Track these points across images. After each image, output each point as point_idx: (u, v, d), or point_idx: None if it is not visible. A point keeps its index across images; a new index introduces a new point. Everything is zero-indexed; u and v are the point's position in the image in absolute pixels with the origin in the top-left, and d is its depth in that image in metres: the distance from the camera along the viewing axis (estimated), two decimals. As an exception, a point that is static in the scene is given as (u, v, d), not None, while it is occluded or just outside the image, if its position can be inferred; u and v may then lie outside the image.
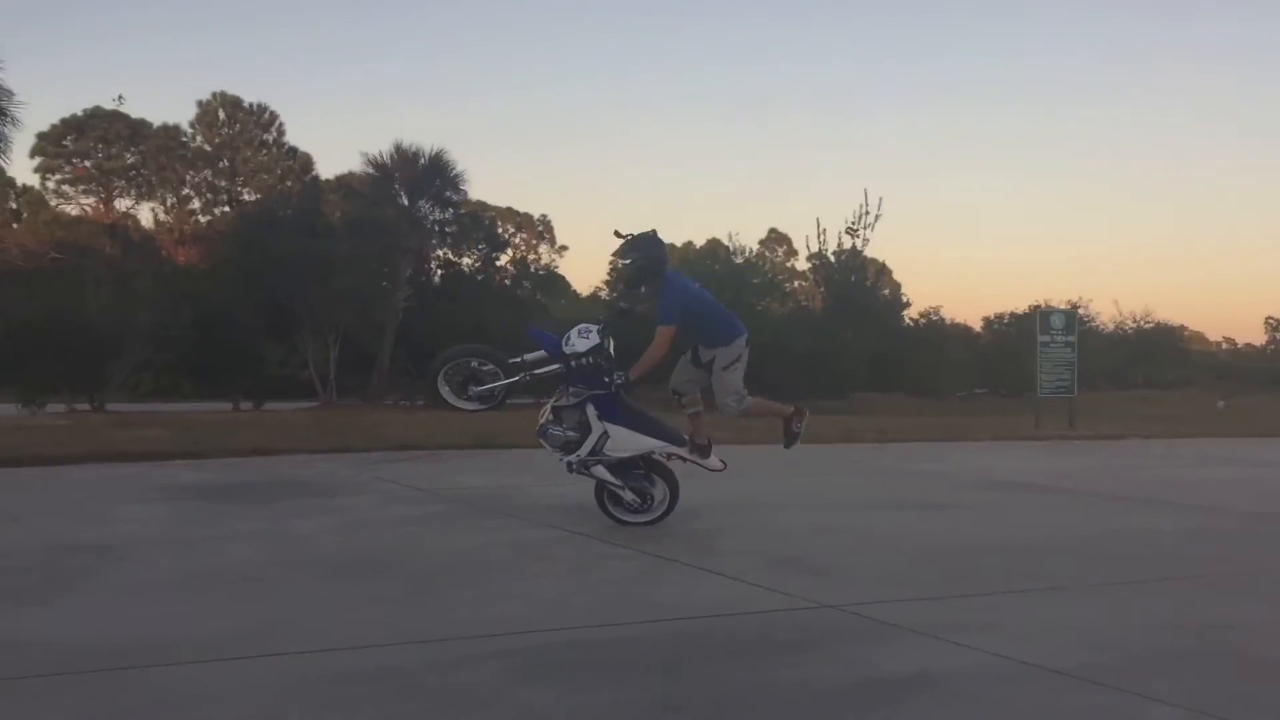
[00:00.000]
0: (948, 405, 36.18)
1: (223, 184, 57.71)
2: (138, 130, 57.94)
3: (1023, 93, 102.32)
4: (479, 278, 47.39)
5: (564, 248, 66.07)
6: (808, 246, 46.00)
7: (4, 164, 32.51)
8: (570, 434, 7.36)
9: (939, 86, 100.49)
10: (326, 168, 61.66)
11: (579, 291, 63.53)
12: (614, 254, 7.79)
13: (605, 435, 7.34)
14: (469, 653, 4.28)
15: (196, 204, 57.97)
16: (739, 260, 48.64)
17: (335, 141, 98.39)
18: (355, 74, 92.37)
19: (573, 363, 7.22)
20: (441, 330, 40.29)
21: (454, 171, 42.00)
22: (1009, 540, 7.50)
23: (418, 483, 10.07)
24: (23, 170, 58.68)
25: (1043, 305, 27.09)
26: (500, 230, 53.78)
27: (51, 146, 57.18)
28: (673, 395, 7.84)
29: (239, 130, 57.62)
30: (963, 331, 51.67)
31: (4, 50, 34.24)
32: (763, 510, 8.84)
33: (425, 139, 54.53)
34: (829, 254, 42.57)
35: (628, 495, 7.51)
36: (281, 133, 58.44)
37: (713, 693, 3.85)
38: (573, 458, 7.36)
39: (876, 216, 39.74)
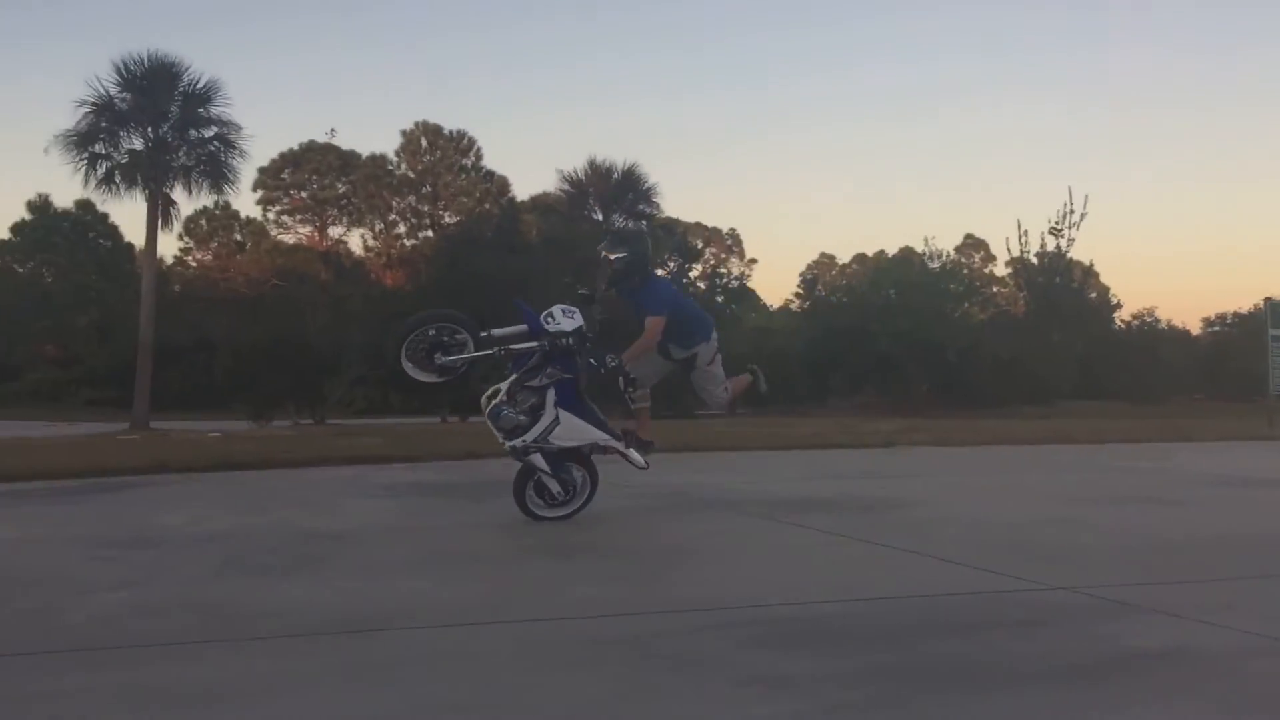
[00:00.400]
0: (1167, 409, 34.24)
1: (425, 209, 60.14)
2: (348, 161, 61.09)
3: (1240, 82, 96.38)
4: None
5: (753, 261, 66.14)
6: (1008, 250, 44.69)
7: (232, 194, 35.08)
8: (521, 417, 6.92)
9: (1146, 77, 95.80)
10: (522, 189, 63.25)
11: (769, 303, 63.39)
12: (602, 248, 7.66)
13: (555, 422, 6.94)
14: (700, 623, 4.37)
15: (402, 229, 60.62)
16: (934, 266, 47.49)
17: (530, 163, 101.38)
18: (548, 97, 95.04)
19: (554, 342, 6.86)
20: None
21: (646, 185, 42.63)
22: (1239, 532, 7.10)
23: (627, 480, 10.26)
24: (246, 203, 62.68)
25: (1274, 298, 25.38)
26: (691, 243, 54.17)
27: (271, 180, 60.91)
28: (628, 389, 7.42)
29: (440, 157, 60.00)
30: (1179, 335, 48.99)
31: (229, 88, 36.65)
32: (973, 503, 8.63)
33: (618, 154, 55.38)
34: (1031, 256, 41.11)
35: (554, 486, 7.13)
36: (479, 157, 60.58)
37: (943, 662, 3.81)
38: (518, 442, 6.91)
39: (1082, 215, 38.13)
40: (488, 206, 56.49)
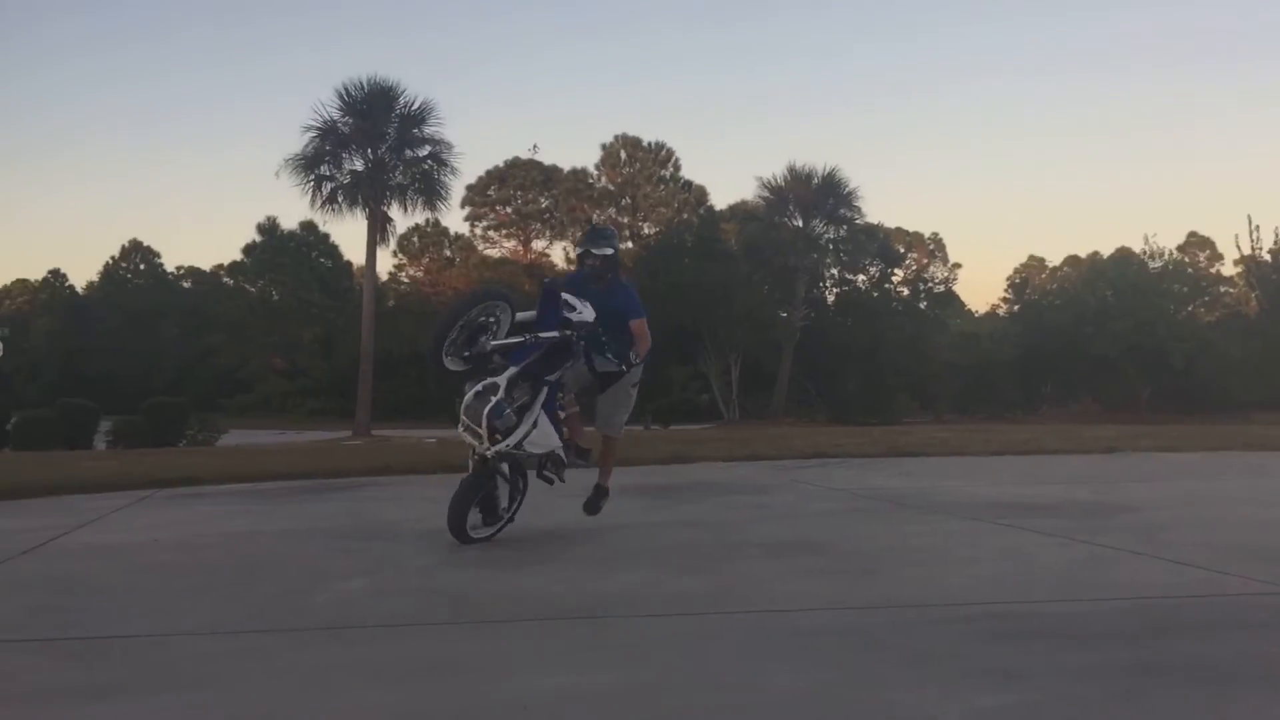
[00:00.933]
0: None
1: (625, 220, 61.13)
2: (550, 176, 62.79)
3: None
4: (874, 295, 46.98)
5: (957, 265, 64.27)
6: (1237, 247, 42.06)
7: (444, 210, 36.62)
8: (514, 418, 6.25)
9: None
10: (720, 197, 63.65)
11: (974, 309, 61.46)
12: (583, 243, 7.04)
13: (534, 427, 6.31)
14: (920, 618, 4.31)
15: (603, 241, 61.76)
16: (1156, 266, 45.09)
17: (728, 172, 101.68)
18: (746, 105, 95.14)
19: (579, 334, 6.30)
20: (838, 347, 40.40)
21: (847, 189, 42.09)
22: None
23: (832, 484, 10.15)
24: (454, 220, 65.14)
25: None
26: (893, 248, 53.11)
27: (478, 196, 63.21)
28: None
29: (639, 168, 60.90)
30: None
31: (440, 108, 38.27)
32: (1204, 508, 8.14)
33: (817, 160, 54.88)
34: (1263, 253, 38.50)
35: (504, 498, 6.56)
36: (678, 167, 61.24)
37: (1183, 661, 3.62)
38: (504, 445, 6.20)
39: (1321, 207, 35.43)
40: (686, 216, 56.98)
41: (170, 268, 70.02)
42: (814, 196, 42.14)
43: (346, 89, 33.35)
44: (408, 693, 3.35)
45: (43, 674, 3.62)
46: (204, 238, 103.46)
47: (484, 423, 6.07)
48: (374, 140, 33.48)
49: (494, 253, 64.02)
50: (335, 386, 53.30)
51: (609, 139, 61.75)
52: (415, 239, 63.62)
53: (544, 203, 63.51)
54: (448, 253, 65.51)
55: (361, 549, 6.25)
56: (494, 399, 6.10)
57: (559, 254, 63.34)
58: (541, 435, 6.36)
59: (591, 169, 61.74)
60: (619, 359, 6.59)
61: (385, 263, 64.53)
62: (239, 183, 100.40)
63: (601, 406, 7.09)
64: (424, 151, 34.09)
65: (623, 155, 60.82)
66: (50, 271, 73.92)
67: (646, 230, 59.55)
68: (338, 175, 33.83)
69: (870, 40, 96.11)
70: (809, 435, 19.28)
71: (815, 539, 6.58)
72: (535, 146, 73.27)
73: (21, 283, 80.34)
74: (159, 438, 22.01)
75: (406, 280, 66.57)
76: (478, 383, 6.21)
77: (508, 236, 64.87)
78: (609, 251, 6.90)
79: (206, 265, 69.22)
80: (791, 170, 42.57)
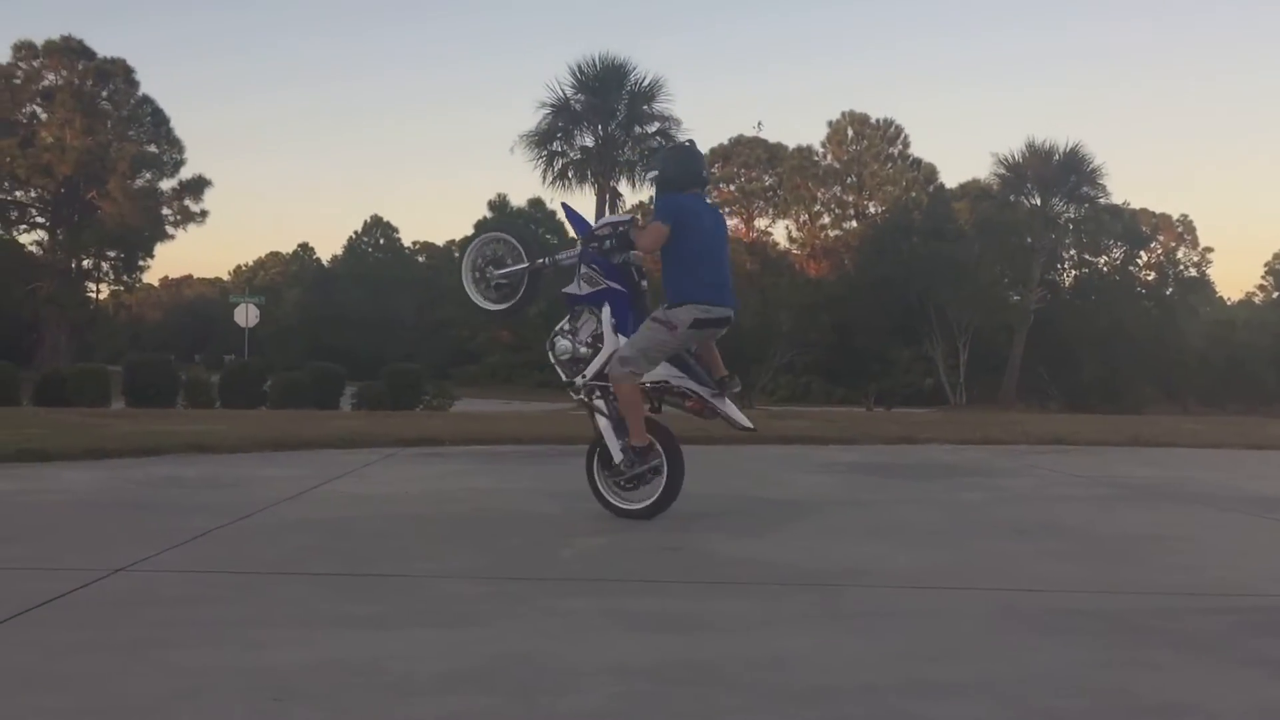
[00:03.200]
0: None
1: (850, 198, 60.17)
2: (775, 154, 62.46)
3: None
4: (1116, 278, 44.60)
5: (1208, 250, 60.24)
6: None
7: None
8: (581, 349, 5.85)
9: None
10: (950, 176, 61.78)
11: (1226, 296, 57.45)
12: (642, 168, 6.63)
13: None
14: (1191, 606, 4.10)
15: (826, 219, 61.08)
16: None
17: (959, 149, 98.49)
18: (979, 80, 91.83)
19: (587, 241, 5.83)
20: (1074, 332, 38.56)
21: (1090, 166, 40.07)
22: None
23: (1073, 470, 9.72)
24: (679, 198, 65.74)
25: None
26: (1138, 229, 50.23)
27: (703, 174, 63.47)
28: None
29: (866, 146, 59.78)
30: None
31: (669, 84, 38.62)
32: None
33: (1058, 136, 52.44)
34: None
35: (614, 451, 5.80)
36: (906, 145, 59.82)
37: None
38: (578, 379, 5.87)
39: None
40: (915, 194, 55.59)
41: (407, 242, 73.71)
42: (1054, 174, 40.31)
43: (579, 67, 34.12)
44: (659, 642, 3.43)
45: (325, 604, 3.89)
46: (438, 214, 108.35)
47: (550, 355, 6.02)
48: (604, 117, 34.12)
49: (718, 231, 64.23)
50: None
51: (835, 116, 60.90)
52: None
53: (768, 181, 63.24)
54: (672, 230, 66.02)
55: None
56: (554, 332, 6.01)
57: (781, 232, 62.97)
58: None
59: (817, 146, 61.05)
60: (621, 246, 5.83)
61: (609, 239, 65.77)
62: (472, 162, 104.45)
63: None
64: (653, 128, 34.48)
65: (849, 132, 59.82)
66: (300, 245, 79.19)
67: (873, 209, 58.45)
68: (569, 151, 34.68)
69: (1115, 14, 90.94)
70: (1043, 421, 18.53)
71: (1062, 523, 6.33)
72: (759, 124, 73.15)
73: (275, 255, 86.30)
74: (397, 402, 23.17)
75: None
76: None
77: (731, 215, 64.93)
78: (653, 173, 6.33)
79: (440, 240, 72.39)
80: (1030, 146, 40.90)
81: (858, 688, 2.98)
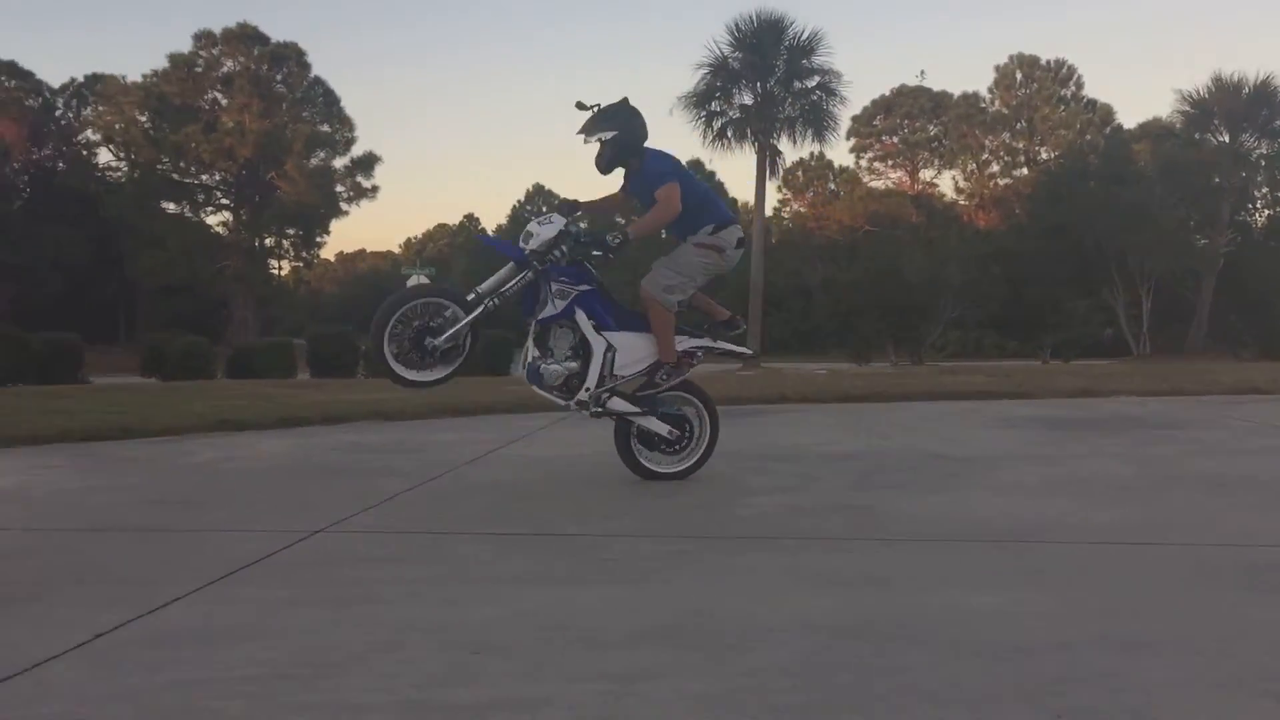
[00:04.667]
0: None
1: (1020, 145, 58.02)
2: (939, 102, 60.68)
3: None
4: (1314, 217, 41.81)
5: None
6: None
7: (833, 141, 36.48)
8: (570, 364, 5.64)
9: None
10: (1127, 116, 58.80)
11: None
12: (582, 131, 5.83)
13: (610, 350, 5.65)
14: None
15: (995, 168, 59.09)
16: None
17: (1136, 88, 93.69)
18: (1155, 14, 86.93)
19: (541, 259, 5.52)
20: (1268, 276, 36.35)
21: (1282, 97, 37.53)
22: None
23: (1273, 421, 9.20)
24: (838, 152, 64.70)
25: None
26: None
27: (863, 127, 62.22)
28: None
29: (1036, 89, 57.50)
30: None
31: (828, 37, 37.89)
32: None
33: (1247, 68, 49.22)
34: None
35: (658, 427, 5.84)
36: (1080, 86, 57.27)
37: None
38: (583, 395, 5.64)
39: None
40: (1090, 137, 53.21)
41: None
42: (1244, 109, 37.92)
43: (736, 24, 33.82)
44: (844, 599, 3.41)
45: (512, 563, 4.01)
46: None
47: (534, 388, 5.71)
48: (763, 74, 33.74)
49: (879, 184, 62.90)
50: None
51: (1003, 60, 58.65)
52: (799, 173, 63.75)
53: (932, 130, 61.55)
54: (832, 186, 65.16)
55: (773, 469, 6.40)
56: (527, 363, 5.68)
57: (948, 183, 61.29)
58: (631, 350, 5.72)
59: (984, 92, 58.99)
60: (604, 247, 5.61)
61: (768, 198, 65.30)
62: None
63: (647, 282, 5.86)
64: (813, 82, 33.96)
65: (1018, 76, 57.56)
66: (465, 216, 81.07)
67: (1045, 154, 56.21)
68: (728, 110, 34.47)
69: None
70: (1236, 371, 17.59)
71: (1261, 475, 6.00)
72: (922, 73, 71.03)
73: (442, 227, 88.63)
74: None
75: (789, 215, 66.98)
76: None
77: (894, 167, 63.48)
78: (609, 134, 5.73)
79: (600, 206, 72.90)
80: (1217, 81, 38.55)
81: (1052, 645, 2.90)
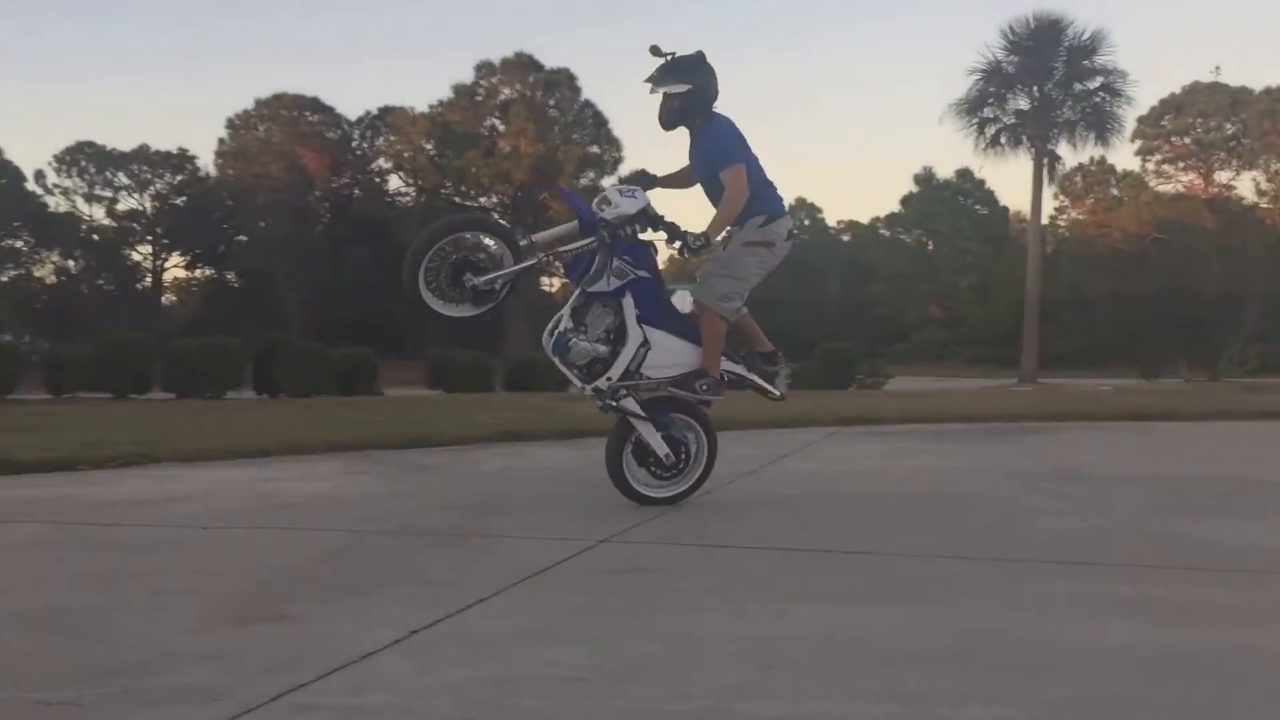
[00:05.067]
0: None
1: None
2: (1237, 99, 56.35)
3: None
4: None
5: None
6: None
7: (1117, 144, 34.59)
8: (600, 347, 5.21)
9: None
10: None
11: None
12: (650, 81, 5.30)
13: (645, 346, 5.24)
14: None
15: (1303, 167, 54.25)
16: None
17: None
18: None
19: (614, 231, 5.14)
20: None
21: None
22: None
23: None
24: (1121, 156, 61.15)
25: None
26: None
27: (1150, 129, 58.52)
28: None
29: (1353, 78, 52.32)
30: None
31: (1111, 35, 35.95)
32: None
33: None
34: None
35: (659, 445, 5.36)
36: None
37: None
38: (603, 383, 5.21)
39: None
40: None
41: (831, 222, 73.97)
42: None
43: (1011, 27, 32.69)
44: (1149, 628, 3.21)
45: (797, 579, 4.01)
46: (860, 191, 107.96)
47: (556, 361, 5.31)
48: (1040, 77, 32.39)
49: (1168, 188, 58.97)
50: (993, 334, 52.91)
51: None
52: (1078, 179, 60.72)
53: (1229, 129, 57.14)
54: (1114, 191, 61.66)
55: (1060, 490, 6.11)
56: (557, 332, 5.27)
57: (1247, 185, 56.76)
58: (663, 353, 5.33)
59: (1292, 86, 54.20)
60: (683, 244, 5.20)
61: (1045, 206, 62.49)
62: (894, 136, 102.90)
63: (696, 291, 5.55)
64: (1095, 84, 32.30)
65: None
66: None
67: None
68: (1001, 116, 33.34)
69: None
70: None
71: None
72: (1218, 68, 66.03)
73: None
74: (830, 381, 23.40)
75: (1065, 223, 63.88)
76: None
77: (1185, 170, 59.36)
78: (683, 89, 5.33)
79: (864, 218, 71.98)
80: None
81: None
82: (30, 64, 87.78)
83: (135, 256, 57.42)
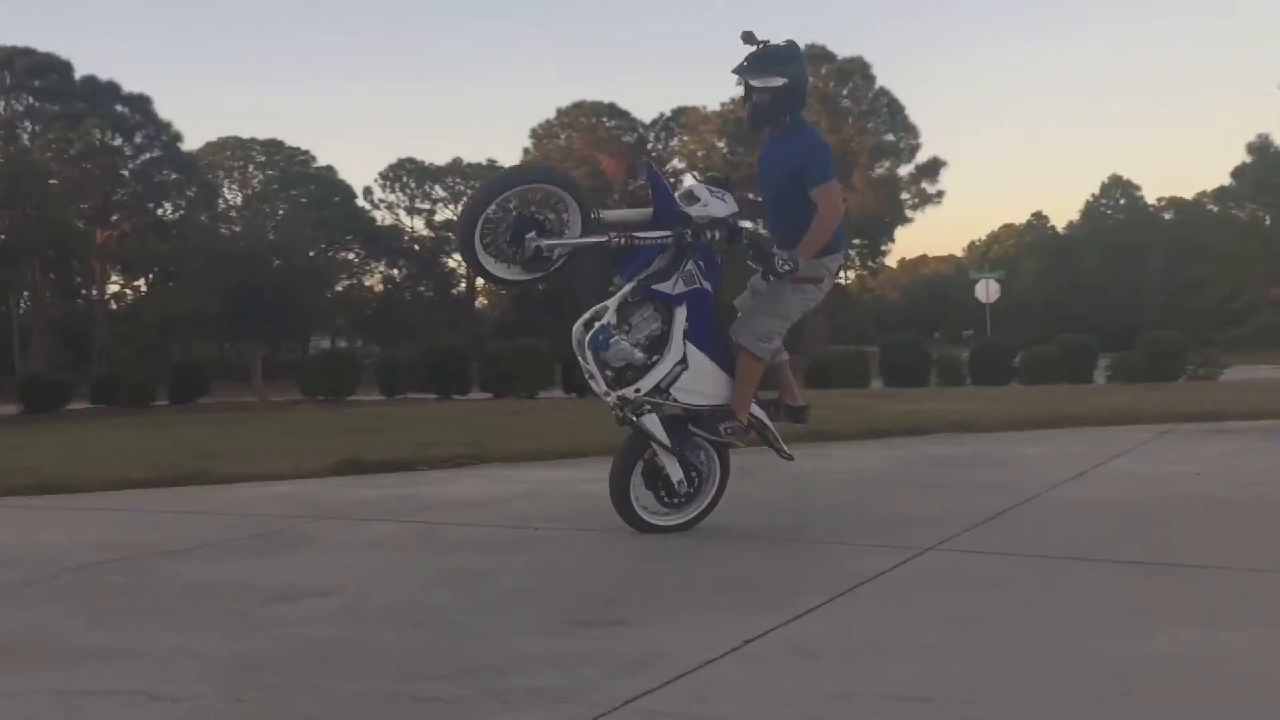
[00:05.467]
0: None
1: None
2: None
3: None
4: None
5: None
6: None
7: None
8: (638, 352, 4.78)
9: None
10: None
11: None
12: (738, 71, 4.85)
13: (682, 365, 4.85)
14: None
15: None
16: None
17: None
18: None
19: (698, 231, 4.74)
20: None
21: None
22: None
23: None
24: None
25: None
26: None
27: None
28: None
29: None
30: None
31: None
32: None
33: None
34: None
35: (674, 470, 4.97)
36: None
37: None
38: (630, 393, 4.77)
39: None
40: None
41: (1151, 200, 69.15)
42: None
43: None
44: None
45: (1137, 592, 3.77)
46: (1185, 165, 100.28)
47: (589, 357, 4.74)
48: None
49: None
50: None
51: None
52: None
53: None
54: None
55: None
56: (597, 325, 4.75)
57: None
58: (697, 378, 4.90)
59: None
60: (761, 263, 4.78)
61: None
62: (1222, 105, 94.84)
63: (745, 302, 5.21)
64: None
65: None
66: (1033, 214, 78.04)
67: None
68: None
69: None
70: None
71: None
72: None
73: (1008, 228, 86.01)
74: (1157, 372, 21.78)
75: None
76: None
77: None
78: (778, 82, 4.84)
79: (1189, 193, 66.75)
80: None
81: None
82: (352, 87, 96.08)
83: (450, 264, 61.19)
